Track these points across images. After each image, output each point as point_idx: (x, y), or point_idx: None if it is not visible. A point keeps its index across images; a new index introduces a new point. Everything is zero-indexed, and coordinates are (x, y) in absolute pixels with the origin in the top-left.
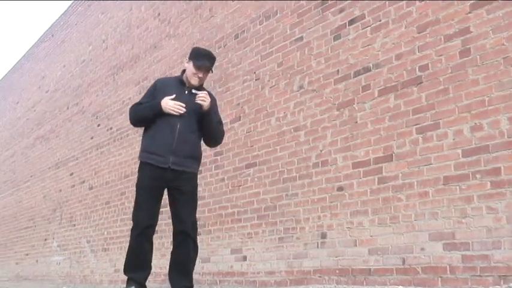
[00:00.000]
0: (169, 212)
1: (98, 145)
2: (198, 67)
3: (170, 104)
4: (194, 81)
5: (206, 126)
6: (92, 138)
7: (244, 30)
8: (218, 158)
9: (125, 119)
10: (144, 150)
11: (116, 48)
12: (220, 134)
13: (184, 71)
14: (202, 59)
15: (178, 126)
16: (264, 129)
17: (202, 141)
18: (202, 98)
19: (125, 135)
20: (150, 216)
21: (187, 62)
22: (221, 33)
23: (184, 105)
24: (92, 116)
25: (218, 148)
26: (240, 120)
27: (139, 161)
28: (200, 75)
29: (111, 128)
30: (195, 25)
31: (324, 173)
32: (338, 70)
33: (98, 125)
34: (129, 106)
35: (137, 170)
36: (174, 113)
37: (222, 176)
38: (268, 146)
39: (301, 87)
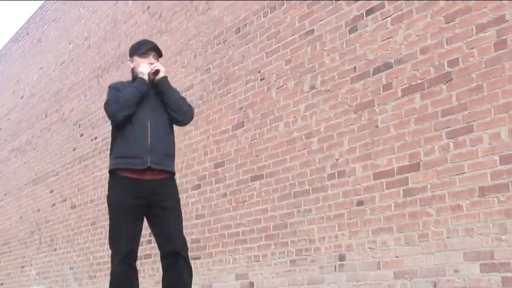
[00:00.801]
0: (152, 234)
1: (82, 158)
2: (143, 54)
3: (143, 68)
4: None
5: (168, 96)
6: (74, 149)
7: (246, 24)
8: (219, 170)
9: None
10: (115, 157)
11: (100, 47)
12: (185, 103)
13: (135, 78)
14: (142, 46)
15: (149, 123)
16: (271, 136)
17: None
18: (157, 67)
19: (105, 149)
20: (131, 240)
21: (131, 62)
22: (220, 27)
23: (153, 67)
24: (74, 124)
25: (219, 159)
26: (243, 126)
27: (111, 174)
28: (151, 61)
29: (96, 138)
30: (190, 19)
31: (341, 186)
32: (355, 67)
33: (81, 135)
34: (105, 104)
35: (108, 186)
36: (151, 71)
37: (223, 191)
38: (277, 155)
39: (312, 87)
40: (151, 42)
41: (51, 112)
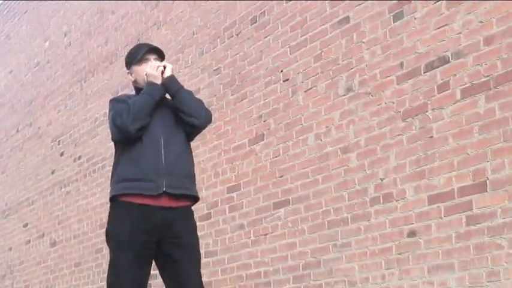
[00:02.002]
0: (162, 278)
1: (62, 182)
2: (141, 61)
3: (152, 68)
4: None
5: (180, 98)
6: (52, 172)
7: (264, 12)
8: (234, 195)
9: (98, 144)
10: (120, 180)
11: (83, 44)
12: (202, 105)
13: (138, 88)
14: (138, 51)
15: (162, 138)
16: (298, 152)
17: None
18: (163, 65)
19: (100, 167)
20: (137, 287)
21: (131, 74)
22: (232, 16)
23: (161, 64)
24: (52, 141)
25: (233, 181)
26: (263, 139)
27: (113, 201)
28: (158, 61)
29: (79, 158)
30: (195, 7)
31: (388, 212)
32: (402, 63)
33: (61, 154)
34: (109, 118)
35: (109, 216)
36: (157, 74)
37: (240, 222)
38: (306, 175)
39: (349, 89)
40: (148, 44)
41: (23, 126)
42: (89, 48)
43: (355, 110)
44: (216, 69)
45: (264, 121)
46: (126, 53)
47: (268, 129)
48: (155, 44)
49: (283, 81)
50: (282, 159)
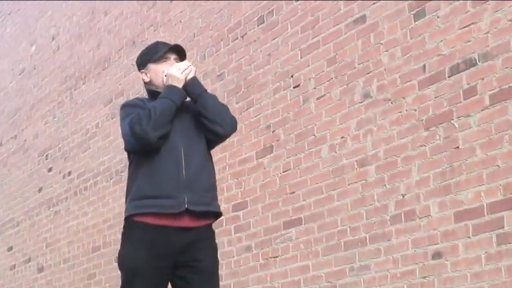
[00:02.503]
0: None
1: (50, 201)
2: (161, 59)
3: (177, 70)
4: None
5: (204, 102)
6: (40, 190)
7: (272, 11)
8: (240, 213)
9: (90, 159)
10: (136, 197)
11: (72, 49)
12: (227, 111)
13: (152, 91)
14: (158, 48)
15: (182, 149)
16: (310, 165)
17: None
18: (187, 66)
19: (92, 184)
20: None
21: (146, 73)
22: (237, 17)
23: (188, 65)
24: (40, 155)
25: (239, 198)
26: (272, 152)
27: (127, 222)
28: (177, 61)
29: (69, 174)
30: (195, 7)
31: (410, 231)
32: (424, 66)
33: (49, 170)
34: (121, 126)
35: (122, 238)
36: (182, 77)
37: (247, 243)
38: (319, 190)
39: (366, 95)
40: (167, 43)
41: (7, 139)
42: (79, 53)
43: (373, 118)
44: (220, 75)
45: (273, 132)
46: (141, 52)
47: (278, 140)
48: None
49: (294, 87)
50: (293, 174)
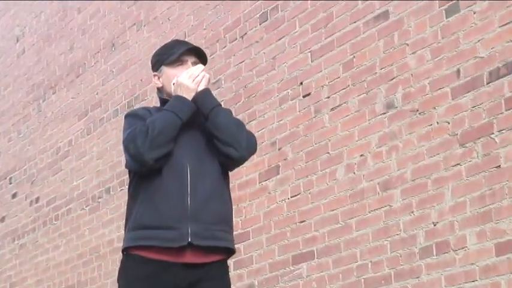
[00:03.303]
0: None
1: (15, 233)
2: (177, 62)
3: (187, 78)
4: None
5: (216, 120)
6: (2, 219)
7: (277, 7)
8: (240, 246)
9: (62, 182)
10: (135, 226)
11: (40, 52)
12: (242, 129)
13: (163, 100)
14: (174, 49)
15: (189, 171)
16: (324, 189)
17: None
18: (203, 75)
19: (64, 213)
20: None
21: (158, 77)
22: (235, 14)
23: (200, 69)
24: (1, 178)
25: (240, 228)
26: (278, 173)
27: (124, 255)
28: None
29: (37, 200)
30: (186, 2)
31: (443, 266)
32: (458, 71)
33: (13, 196)
34: (125, 140)
35: (118, 275)
36: (193, 85)
37: (249, 281)
38: (334, 219)
39: (390, 105)
40: (187, 42)
41: None
42: (48, 57)
43: (398, 132)
44: (216, 82)
45: (279, 149)
46: (156, 51)
47: (285, 159)
48: (133, 50)
49: (303, 96)
50: (303, 199)
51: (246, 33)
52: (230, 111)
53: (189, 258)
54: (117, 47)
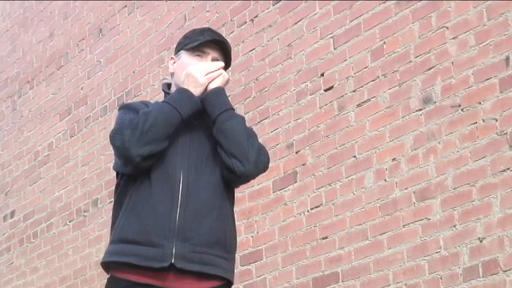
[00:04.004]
0: None
1: None
2: (195, 50)
3: (199, 71)
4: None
5: (223, 127)
6: None
7: None
8: (251, 267)
9: (41, 193)
10: (117, 239)
11: (15, 40)
12: (253, 140)
13: (168, 95)
14: (198, 35)
15: (181, 178)
16: (350, 199)
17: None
18: (219, 73)
19: (44, 229)
20: None
21: (174, 61)
22: None
23: (218, 65)
24: None
25: (250, 246)
26: (295, 181)
27: (108, 273)
28: (208, 60)
29: (12, 215)
30: None
31: None
32: (507, 58)
33: None
34: (112, 131)
35: None
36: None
37: None
38: (362, 234)
39: (427, 100)
40: (217, 34)
41: None
42: (24, 46)
43: (437, 131)
44: None
45: (297, 152)
46: (186, 33)
47: (303, 164)
48: (124, 37)
49: (325, 90)
50: (326, 211)
51: (256, 16)
52: (243, 119)
53: (172, 283)
54: (105, 33)
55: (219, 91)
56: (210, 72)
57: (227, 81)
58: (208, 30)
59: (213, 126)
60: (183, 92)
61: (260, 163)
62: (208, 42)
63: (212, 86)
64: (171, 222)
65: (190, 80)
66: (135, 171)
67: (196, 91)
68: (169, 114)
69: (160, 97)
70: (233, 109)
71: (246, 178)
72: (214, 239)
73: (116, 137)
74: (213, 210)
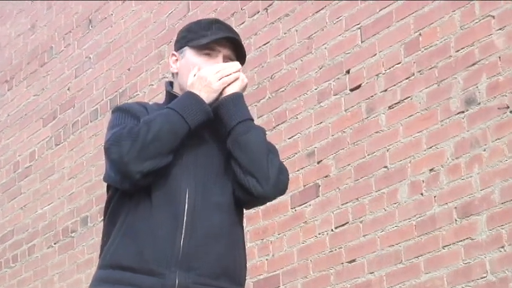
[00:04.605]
0: None
1: None
2: (205, 48)
3: (213, 73)
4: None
5: (241, 140)
6: None
7: None
8: None
9: (22, 211)
10: (108, 264)
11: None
12: (274, 157)
13: (170, 94)
14: (207, 29)
15: (187, 200)
16: (381, 216)
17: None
18: (237, 75)
19: (26, 252)
20: None
21: (176, 59)
22: None
23: (236, 66)
24: None
25: (265, 270)
26: (317, 195)
27: None
28: (219, 59)
29: None
30: None
31: None
32: None
33: None
34: (107, 141)
35: None
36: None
37: None
38: (396, 257)
39: (470, 101)
40: (229, 29)
41: None
42: (1, 40)
43: (481, 137)
44: None
45: (319, 162)
46: (187, 25)
47: (326, 176)
48: (117, 30)
49: (351, 89)
50: (353, 230)
51: (271, 4)
52: (263, 131)
53: None
54: (95, 24)
55: (237, 97)
56: (225, 76)
57: (245, 86)
58: (216, 22)
59: (227, 137)
60: (192, 98)
61: (280, 184)
62: (220, 39)
63: (228, 91)
64: (175, 249)
65: (203, 84)
66: (133, 188)
67: (209, 97)
68: (175, 125)
69: (159, 98)
70: (252, 119)
71: (263, 200)
72: (222, 270)
73: (112, 149)
74: (222, 237)
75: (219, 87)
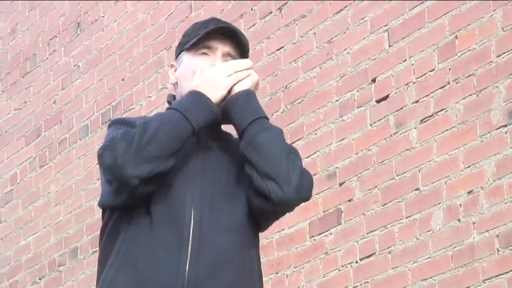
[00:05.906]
0: None
1: None
2: (205, 46)
3: (221, 70)
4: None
5: (256, 141)
6: None
7: None
8: None
9: (3, 241)
10: None
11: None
12: (295, 160)
13: (174, 98)
14: (203, 26)
15: (193, 220)
16: (413, 245)
17: (262, 206)
18: (247, 73)
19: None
20: None
21: (175, 68)
22: None
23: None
24: None
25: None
26: (339, 222)
27: None
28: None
29: None
30: None
31: None
32: None
33: None
34: (101, 148)
35: None
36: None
37: None
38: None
39: None
40: (221, 21)
41: None
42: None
43: None
44: None
45: (341, 184)
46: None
47: (350, 200)
48: (109, 34)
49: (377, 101)
50: (381, 261)
51: (285, 4)
52: (281, 131)
53: None
54: (84, 27)
55: (249, 94)
56: (234, 71)
57: (257, 85)
58: (213, 19)
59: (240, 140)
60: (197, 95)
61: (304, 189)
62: (214, 33)
63: (237, 89)
64: (179, 278)
65: (208, 82)
66: (131, 201)
67: (215, 95)
68: (176, 124)
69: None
70: (267, 117)
71: (284, 207)
72: None
73: (105, 154)
74: (232, 262)
75: (228, 84)
